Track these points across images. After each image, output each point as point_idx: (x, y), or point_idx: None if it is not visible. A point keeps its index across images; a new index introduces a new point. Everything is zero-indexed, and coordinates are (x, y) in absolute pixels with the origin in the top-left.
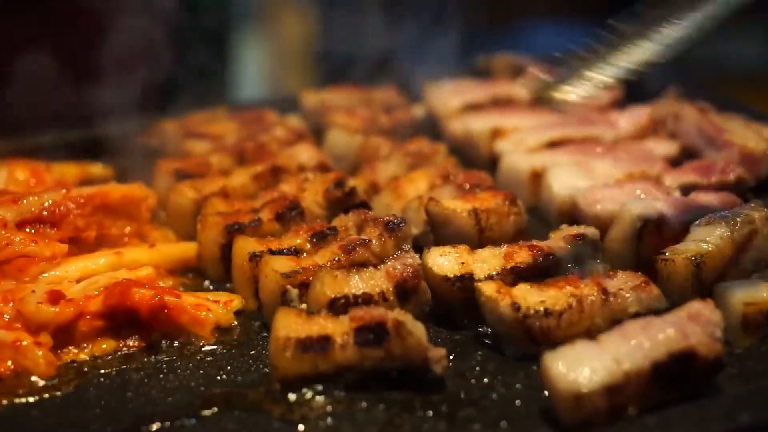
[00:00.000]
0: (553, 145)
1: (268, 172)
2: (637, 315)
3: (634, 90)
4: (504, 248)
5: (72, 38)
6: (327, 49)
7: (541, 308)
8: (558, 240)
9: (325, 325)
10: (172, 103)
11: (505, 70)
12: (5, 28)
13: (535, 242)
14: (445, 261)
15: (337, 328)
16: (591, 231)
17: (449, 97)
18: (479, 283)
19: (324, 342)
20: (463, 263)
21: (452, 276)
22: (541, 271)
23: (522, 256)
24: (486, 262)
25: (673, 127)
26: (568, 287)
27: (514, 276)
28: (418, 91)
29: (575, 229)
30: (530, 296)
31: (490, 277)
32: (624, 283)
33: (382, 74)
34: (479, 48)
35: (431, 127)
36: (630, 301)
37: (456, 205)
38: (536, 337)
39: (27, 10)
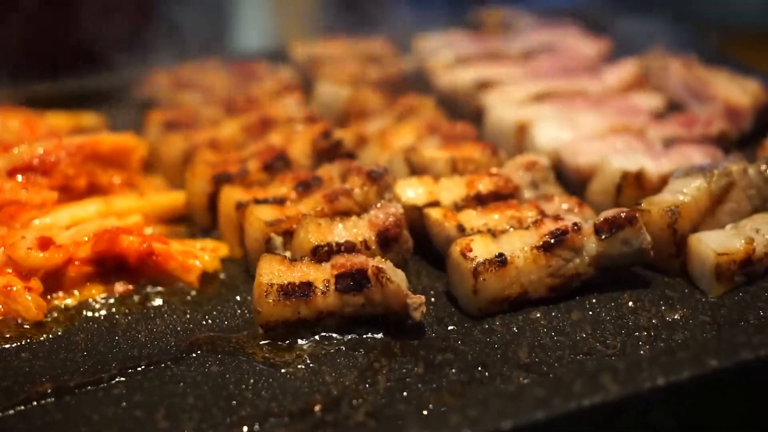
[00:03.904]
0: (540, 98)
1: (257, 123)
2: None
3: (621, 43)
4: (466, 177)
5: None
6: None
7: (485, 229)
8: (514, 168)
9: (307, 271)
10: (167, 52)
11: (495, 24)
12: None
13: (494, 170)
14: (412, 191)
15: (319, 275)
16: (543, 158)
17: (438, 50)
18: (427, 209)
19: (306, 288)
20: (430, 192)
21: (421, 204)
22: (502, 197)
23: (484, 183)
24: (450, 190)
25: (658, 80)
26: (509, 211)
27: (477, 202)
28: (408, 43)
29: (528, 157)
30: (474, 219)
31: (455, 204)
32: (560, 206)
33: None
34: (471, 1)
35: (420, 80)
36: None
37: (435, 154)
38: None
39: None
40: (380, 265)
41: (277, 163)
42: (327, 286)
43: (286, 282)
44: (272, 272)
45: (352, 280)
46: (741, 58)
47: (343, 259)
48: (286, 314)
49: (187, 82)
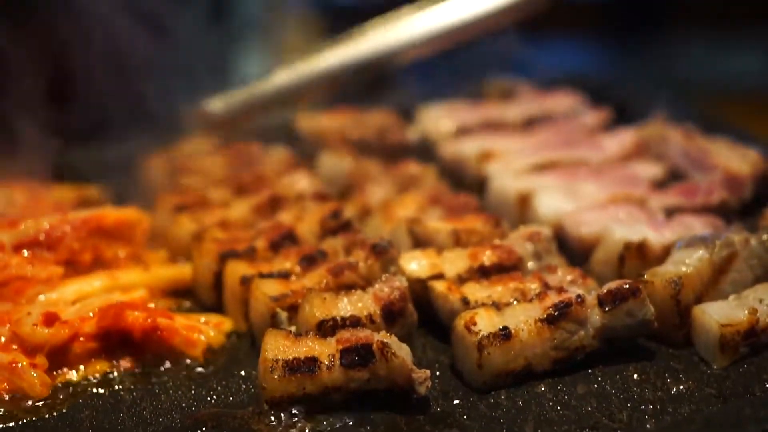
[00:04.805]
0: (541, 168)
1: (266, 202)
2: None
3: (621, 112)
4: (470, 249)
5: (65, 56)
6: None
7: (489, 301)
8: (517, 239)
9: (312, 346)
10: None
11: (496, 94)
12: None
13: (497, 241)
14: (416, 264)
15: (324, 350)
16: (545, 229)
17: (441, 120)
18: (431, 282)
19: (311, 363)
20: (433, 265)
21: (425, 277)
22: (505, 269)
23: (487, 255)
24: (454, 262)
25: (659, 149)
26: (512, 283)
27: (480, 274)
28: (413, 113)
29: (531, 228)
30: (478, 291)
31: (459, 277)
32: (563, 277)
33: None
34: (472, 70)
35: (424, 150)
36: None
37: (438, 226)
38: None
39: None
40: (385, 340)
41: (284, 242)
42: (332, 361)
43: (291, 357)
44: (277, 348)
45: (357, 355)
46: (740, 124)
47: (348, 333)
48: (291, 390)
49: (184, 166)
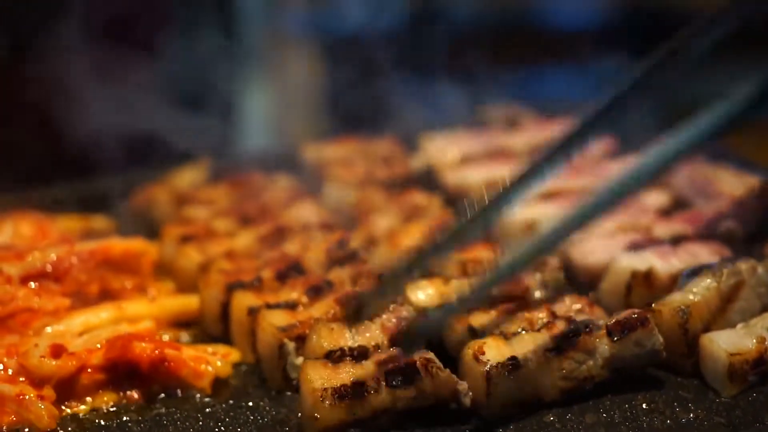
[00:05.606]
0: (547, 196)
1: (272, 233)
2: None
3: (625, 139)
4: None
5: (70, 89)
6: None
7: (497, 331)
8: None
9: (353, 372)
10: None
11: (500, 121)
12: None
13: None
14: (423, 294)
15: (367, 374)
16: (552, 258)
17: (445, 148)
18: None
19: (359, 388)
20: (440, 294)
21: (432, 307)
22: (512, 298)
23: None
24: (461, 291)
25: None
26: (520, 312)
27: (487, 304)
28: (416, 142)
29: None
30: (485, 321)
31: None
32: (571, 306)
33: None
34: (476, 97)
35: (429, 178)
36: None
37: None
38: None
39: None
40: (428, 356)
41: (291, 272)
42: (379, 384)
43: (339, 384)
44: (322, 376)
45: (402, 375)
46: (744, 152)
47: (384, 355)
48: (342, 417)
49: (187, 197)
